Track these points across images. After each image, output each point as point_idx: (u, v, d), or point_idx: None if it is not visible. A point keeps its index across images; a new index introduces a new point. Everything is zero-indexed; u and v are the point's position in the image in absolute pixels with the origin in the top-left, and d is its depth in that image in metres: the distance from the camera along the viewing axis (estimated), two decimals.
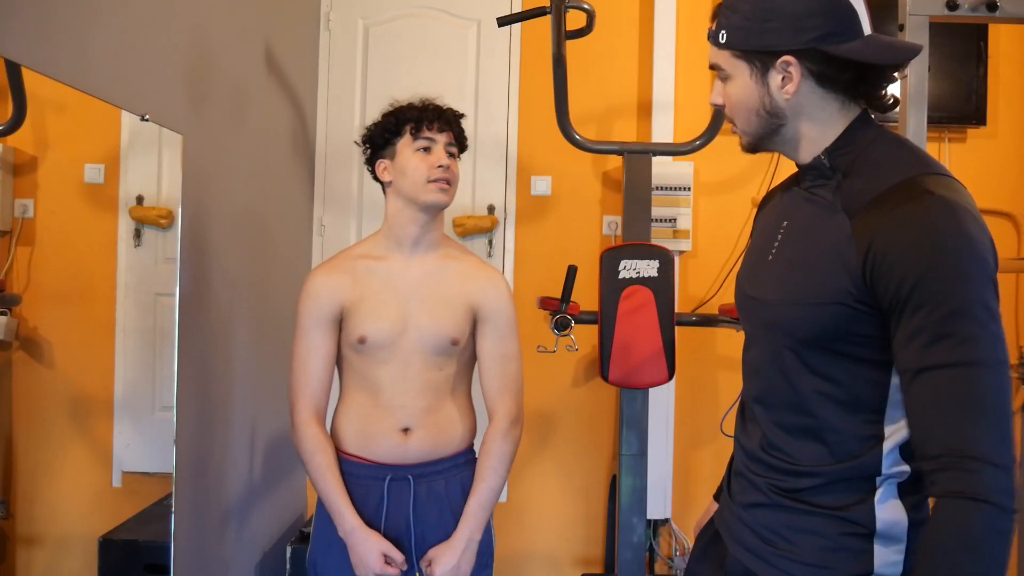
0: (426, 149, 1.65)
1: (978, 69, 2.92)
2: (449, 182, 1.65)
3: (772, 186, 1.28)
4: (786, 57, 1.02)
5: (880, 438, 1.03)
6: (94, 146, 1.75)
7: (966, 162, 3.02)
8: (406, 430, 1.66)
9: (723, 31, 1.06)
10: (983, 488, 0.90)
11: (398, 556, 1.61)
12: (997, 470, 0.90)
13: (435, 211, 1.67)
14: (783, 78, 1.04)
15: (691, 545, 3.08)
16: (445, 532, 1.67)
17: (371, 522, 1.65)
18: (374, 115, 3.02)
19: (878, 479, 1.03)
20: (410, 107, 1.68)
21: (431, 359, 1.66)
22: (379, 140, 1.69)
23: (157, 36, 1.77)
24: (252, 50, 2.40)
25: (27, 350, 1.61)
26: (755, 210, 1.33)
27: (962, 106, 2.93)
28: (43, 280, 1.62)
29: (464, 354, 1.72)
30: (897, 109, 1.93)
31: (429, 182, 1.63)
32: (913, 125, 1.88)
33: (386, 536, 1.65)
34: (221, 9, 2.14)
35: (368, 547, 1.60)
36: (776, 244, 1.12)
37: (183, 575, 1.90)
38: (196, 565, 2.02)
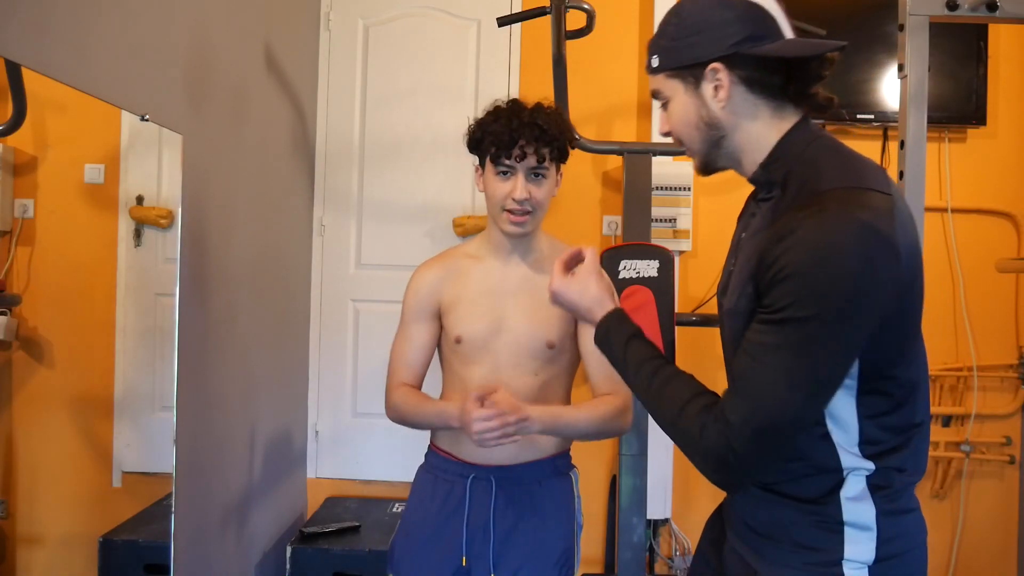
0: (504, 174, 1.60)
1: (978, 69, 2.92)
2: (528, 212, 1.60)
3: None
4: (713, 65, 1.08)
5: (827, 436, 1.08)
6: (94, 146, 1.75)
7: (966, 162, 3.02)
8: None
9: (655, 56, 1.14)
10: (707, 438, 1.02)
11: (484, 393, 1.52)
12: (727, 442, 1.01)
13: (513, 237, 1.64)
14: (715, 87, 1.09)
15: (691, 545, 3.09)
16: (529, 538, 1.66)
17: (453, 516, 1.67)
18: (374, 115, 3.06)
19: (844, 472, 1.08)
20: (495, 123, 1.59)
21: (525, 363, 1.65)
22: (472, 151, 1.66)
23: (157, 36, 1.77)
24: (252, 50, 2.40)
25: (27, 350, 1.62)
26: None
27: (962, 106, 2.93)
28: (43, 280, 1.62)
29: (561, 360, 1.69)
30: (895, 111, 1.94)
31: (504, 211, 1.61)
32: (913, 125, 1.88)
33: (468, 535, 1.65)
34: (221, 9, 2.14)
35: (465, 407, 1.52)
36: (735, 255, 1.19)
37: (183, 575, 1.90)
38: (196, 565, 2.02)
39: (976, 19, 1.90)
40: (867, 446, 1.07)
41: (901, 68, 1.89)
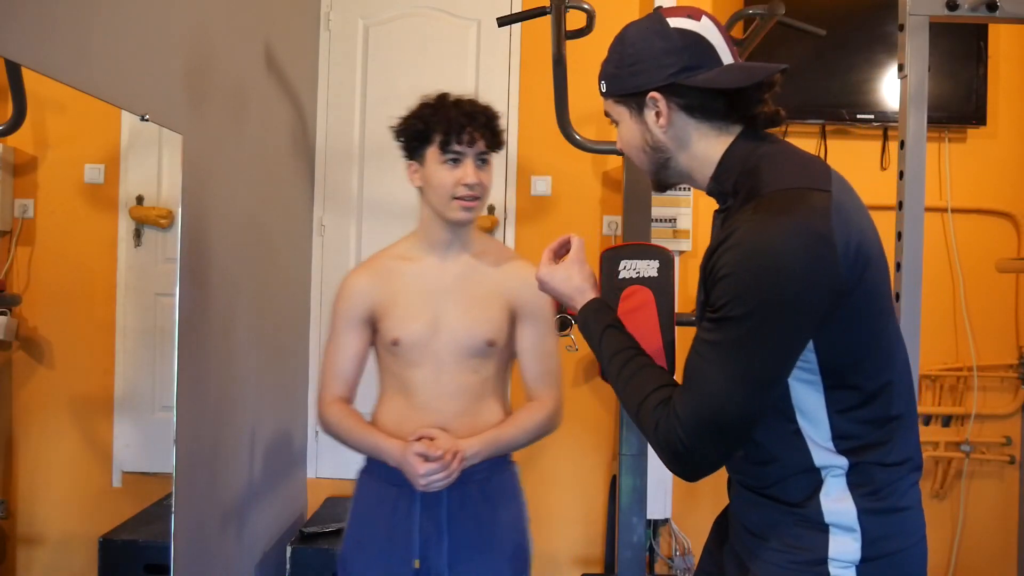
0: (454, 161, 1.59)
1: (978, 69, 2.92)
2: (478, 197, 1.61)
3: None
4: (652, 94, 1.12)
5: (798, 432, 1.10)
6: (94, 146, 1.75)
7: (966, 162, 3.02)
8: None
9: (603, 82, 1.20)
10: (662, 433, 1.06)
11: (430, 450, 1.56)
12: (677, 438, 1.04)
13: (462, 226, 1.65)
14: (656, 113, 1.13)
15: (691, 545, 3.08)
16: (479, 536, 1.66)
17: (405, 521, 1.65)
18: (374, 115, 3.06)
19: (822, 472, 1.10)
20: (439, 112, 1.60)
21: (465, 362, 1.64)
22: (408, 145, 1.64)
23: (157, 36, 1.77)
24: (252, 50, 2.40)
25: (27, 350, 1.62)
26: None
27: (962, 106, 2.93)
28: (43, 280, 1.62)
29: (502, 355, 1.69)
30: (898, 114, 1.94)
31: (454, 199, 1.60)
32: (913, 125, 1.87)
33: (421, 538, 1.64)
34: (221, 9, 2.14)
35: (408, 460, 1.56)
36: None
37: (183, 575, 1.90)
38: (196, 565, 2.02)
39: (976, 19, 1.90)
40: (840, 441, 1.08)
41: (901, 68, 1.89)
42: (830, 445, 1.08)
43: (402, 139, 1.66)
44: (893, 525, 1.10)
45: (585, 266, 1.30)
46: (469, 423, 1.64)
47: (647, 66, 1.12)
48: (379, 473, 1.68)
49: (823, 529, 1.09)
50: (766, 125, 1.15)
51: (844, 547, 1.08)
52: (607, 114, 1.22)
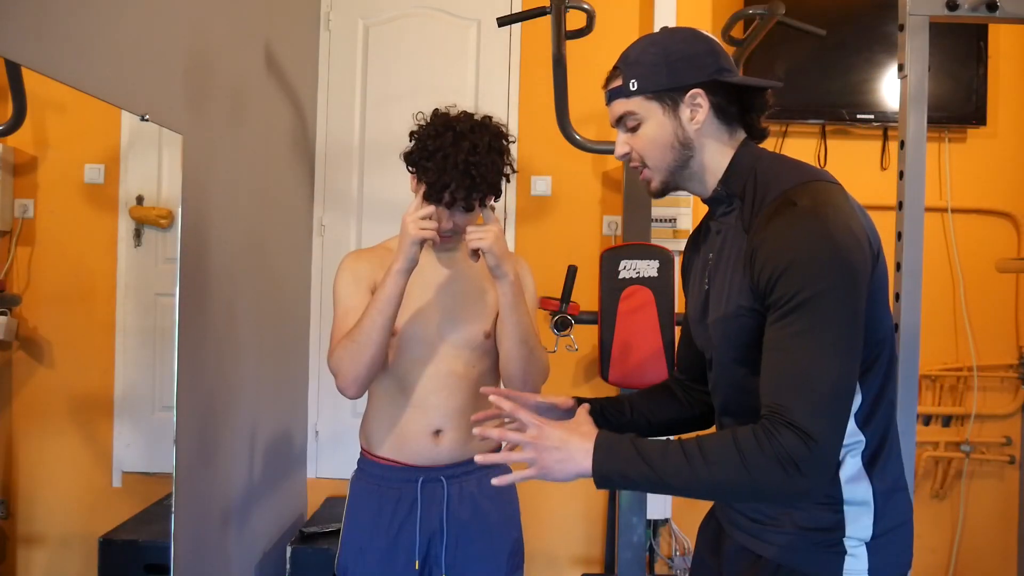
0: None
1: (978, 69, 2.92)
2: (451, 235, 1.60)
3: None
4: (695, 90, 1.19)
5: None
6: (94, 146, 1.75)
7: (966, 162, 3.02)
8: (438, 432, 1.65)
9: (632, 80, 1.21)
10: (777, 446, 1.01)
11: (427, 209, 1.53)
12: (798, 434, 1.01)
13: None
14: (691, 110, 1.20)
15: (691, 545, 3.08)
16: (479, 532, 1.68)
17: (404, 524, 1.66)
18: (374, 115, 3.06)
19: (843, 450, 1.13)
20: (431, 160, 1.53)
21: (464, 355, 1.66)
22: (410, 161, 1.60)
23: (157, 36, 1.77)
24: (252, 50, 2.40)
25: (27, 350, 1.62)
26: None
27: (962, 106, 2.93)
28: (43, 280, 1.62)
29: (495, 349, 1.70)
30: (897, 116, 1.94)
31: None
32: (913, 125, 1.87)
33: (420, 537, 1.65)
34: (221, 9, 2.14)
35: (406, 227, 1.52)
36: (707, 274, 1.26)
37: (183, 575, 1.90)
38: (196, 565, 2.02)
39: (976, 19, 1.90)
40: (863, 418, 1.14)
41: (901, 68, 1.89)
42: (853, 420, 1.12)
43: (406, 157, 1.62)
44: (894, 503, 1.17)
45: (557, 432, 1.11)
46: (466, 420, 1.63)
47: (689, 64, 1.19)
48: (376, 477, 1.69)
49: (839, 508, 1.14)
50: (761, 137, 1.25)
51: (859, 524, 1.14)
52: (624, 116, 1.23)
